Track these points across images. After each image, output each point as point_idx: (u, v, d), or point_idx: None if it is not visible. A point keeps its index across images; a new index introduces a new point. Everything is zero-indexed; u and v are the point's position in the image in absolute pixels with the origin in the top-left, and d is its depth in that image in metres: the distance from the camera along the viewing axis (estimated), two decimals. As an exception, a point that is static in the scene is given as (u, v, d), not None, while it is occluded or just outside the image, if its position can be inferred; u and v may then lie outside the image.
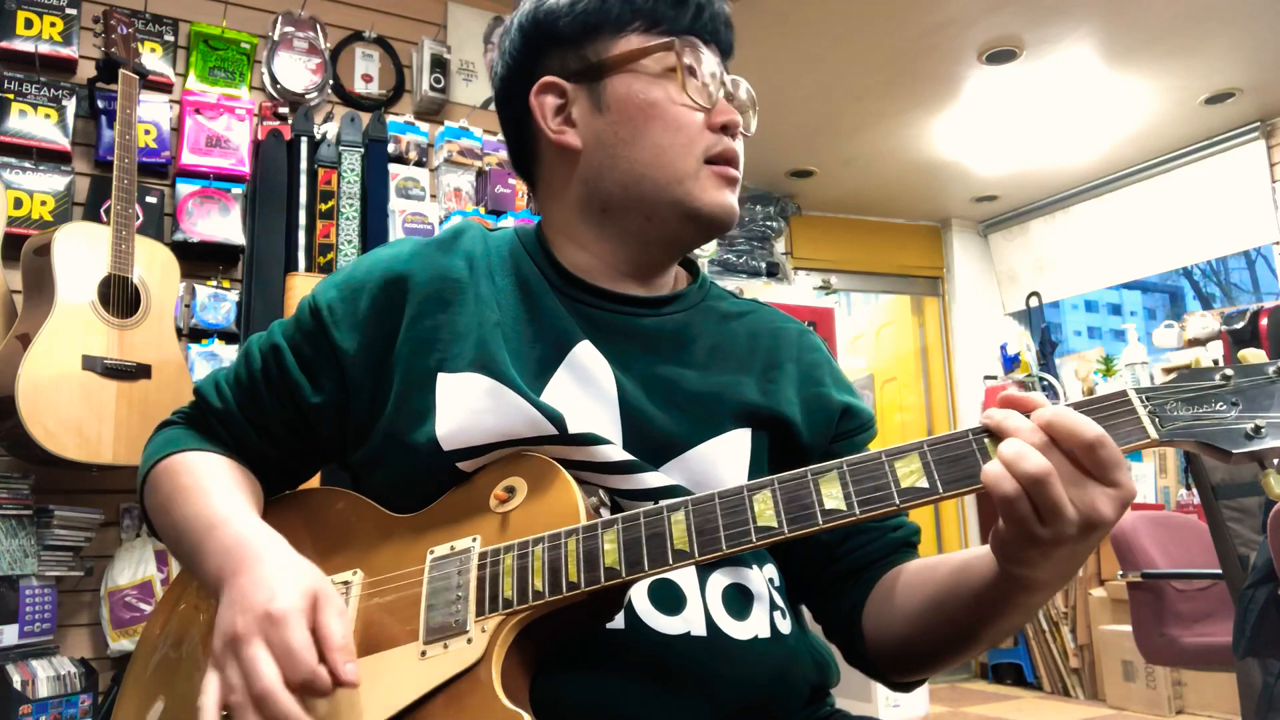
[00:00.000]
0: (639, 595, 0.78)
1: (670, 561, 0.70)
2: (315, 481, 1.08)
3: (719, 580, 0.83)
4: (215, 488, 0.86)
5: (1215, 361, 0.67)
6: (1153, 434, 0.65)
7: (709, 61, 0.88)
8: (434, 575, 0.76)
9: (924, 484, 0.66)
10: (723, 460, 0.86)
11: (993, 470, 0.63)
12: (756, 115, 0.94)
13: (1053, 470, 0.62)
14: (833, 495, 0.68)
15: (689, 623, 0.79)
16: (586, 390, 0.85)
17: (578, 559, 0.71)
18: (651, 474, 0.82)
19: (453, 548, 0.77)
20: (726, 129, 0.88)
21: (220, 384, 0.94)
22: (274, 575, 0.74)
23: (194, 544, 0.82)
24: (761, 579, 0.86)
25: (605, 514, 0.77)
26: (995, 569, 0.71)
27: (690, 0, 0.89)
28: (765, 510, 0.69)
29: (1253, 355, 0.66)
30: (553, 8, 0.90)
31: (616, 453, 0.82)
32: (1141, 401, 0.66)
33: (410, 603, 0.75)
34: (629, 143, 0.88)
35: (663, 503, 0.73)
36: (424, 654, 0.72)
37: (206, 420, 0.94)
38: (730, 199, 0.88)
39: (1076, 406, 0.66)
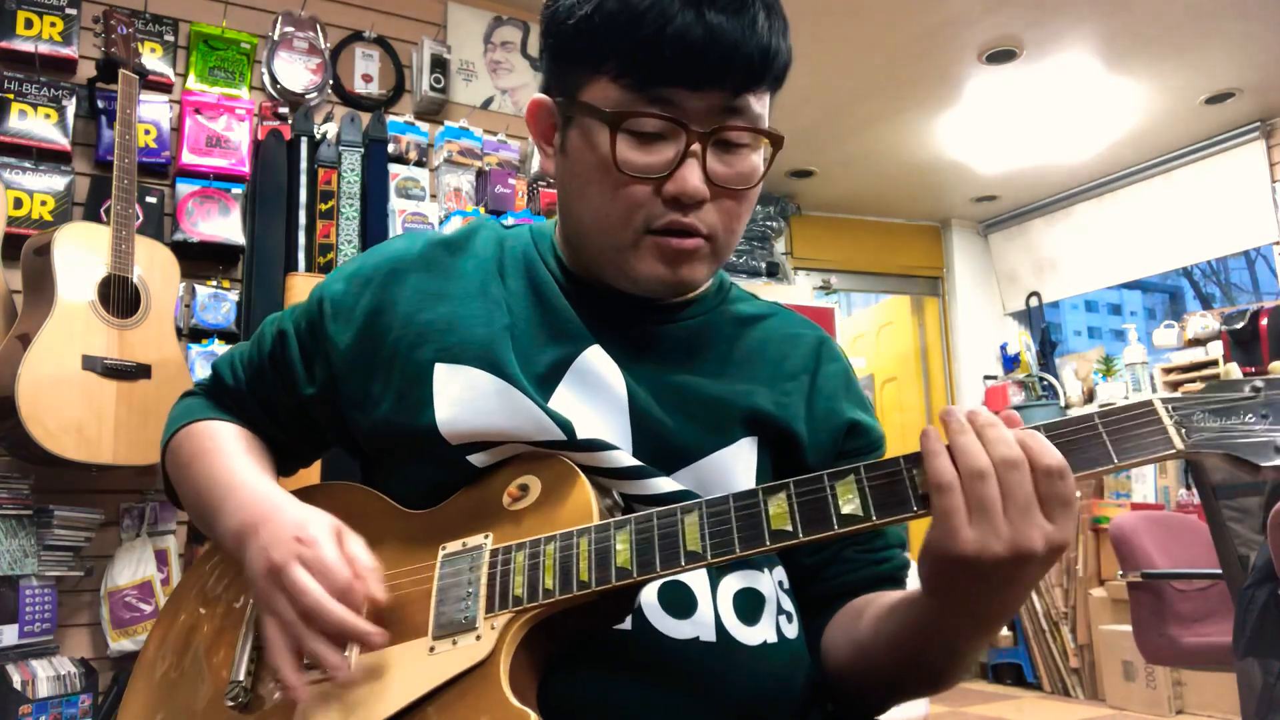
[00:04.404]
0: (649, 597, 0.78)
1: (682, 563, 0.69)
2: (315, 470, 1.09)
3: (731, 584, 0.82)
4: (232, 450, 0.90)
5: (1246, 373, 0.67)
6: (1179, 444, 0.63)
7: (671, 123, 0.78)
8: (445, 571, 0.76)
9: None
10: (734, 470, 0.85)
11: (939, 458, 0.64)
12: (764, 158, 0.83)
13: (992, 471, 0.63)
14: (849, 500, 0.67)
15: (699, 627, 0.78)
16: (596, 395, 0.84)
17: (589, 558, 0.71)
18: (663, 479, 0.81)
19: (465, 544, 0.77)
20: (676, 201, 0.79)
21: (235, 362, 0.97)
22: (297, 515, 0.78)
23: (214, 504, 0.86)
24: (771, 582, 0.85)
25: (619, 515, 0.76)
26: (922, 607, 0.71)
27: (665, 46, 0.75)
28: (780, 513, 0.68)
29: None
30: (556, 13, 0.83)
31: (625, 459, 0.80)
32: (1168, 411, 0.65)
33: (421, 598, 0.76)
34: (577, 197, 0.84)
35: (677, 504, 0.72)
36: (432, 649, 0.72)
37: (222, 396, 0.98)
38: (668, 273, 0.82)
39: (1100, 415, 0.65)
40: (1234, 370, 0.66)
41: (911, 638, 0.74)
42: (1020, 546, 0.62)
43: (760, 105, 0.81)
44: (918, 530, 0.67)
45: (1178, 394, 0.66)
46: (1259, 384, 0.65)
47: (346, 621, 0.71)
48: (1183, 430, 0.64)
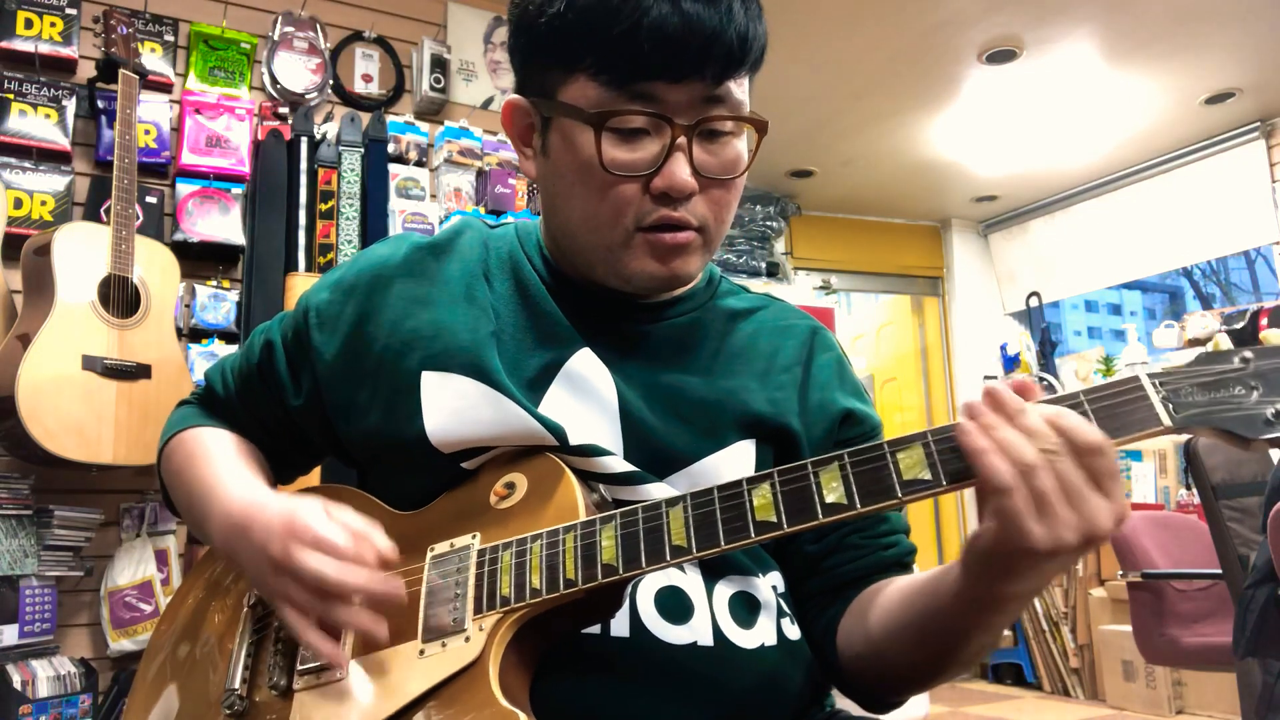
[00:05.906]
0: (645, 604, 0.77)
1: (668, 557, 0.68)
2: (315, 476, 1.10)
3: (725, 589, 0.81)
4: (218, 455, 0.91)
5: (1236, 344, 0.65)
6: (1166, 420, 0.61)
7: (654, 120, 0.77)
8: (433, 573, 0.76)
9: (927, 476, 0.64)
10: (729, 474, 0.80)
11: (990, 455, 0.60)
12: (748, 145, 0.83)
13: (1043, 461, 0.60)
14: (833, 488, 0.66)
15: (696, 632, 0.77)
16: (587, 400, 0.83)
17: (575, 556, 0.70)
18: (655, 485, 0.80)
19: (452, 545, 0.77)
20: (665, 196, 0.78)
21: (226, 372, 0.98)
22: (281, 506, 0.77)
23: (202, 509, 0.86)
24: (766, 586, 0.85)
25: (607, 511, 0.76)
26: (963, 586, 0.68)
27: (643, 39, 0.73)
28: (764, 504, 0.67)
29: (1276, 337, 0.63)
30: (526, 11, 0.81)
31: (619, 464, 0.80)
32: (1155, 387, 0.63)
33: (410, 600, 0.75)
34: (563, 198, 0.83)
35: (662, 497, 0.71)
36: (422, 652, 0.72)
37: (215, 406, 0.99)
38: (661, 268, 0.81)
39: (1088, 393, 0.63)
40: (1223, 341, 0.65)
41: (946, 620, 0.72)
42: (1091, 529, 0.60)
43: (741, 91, 0.80)
44: (914, 516, 0.66)
45: (1165, 369, 0.64)
46: (1248, 354, 0.63)
47: (366, 584, 0.71)
48: (1170, 406, 0.62)
